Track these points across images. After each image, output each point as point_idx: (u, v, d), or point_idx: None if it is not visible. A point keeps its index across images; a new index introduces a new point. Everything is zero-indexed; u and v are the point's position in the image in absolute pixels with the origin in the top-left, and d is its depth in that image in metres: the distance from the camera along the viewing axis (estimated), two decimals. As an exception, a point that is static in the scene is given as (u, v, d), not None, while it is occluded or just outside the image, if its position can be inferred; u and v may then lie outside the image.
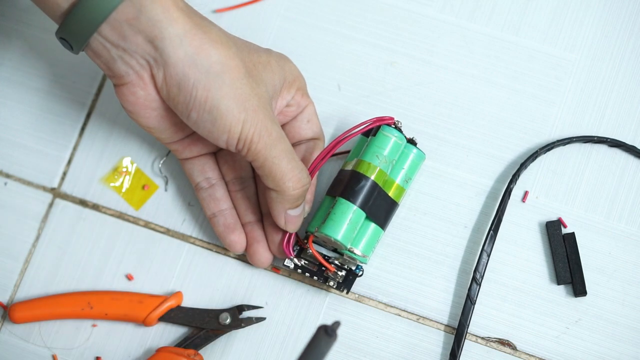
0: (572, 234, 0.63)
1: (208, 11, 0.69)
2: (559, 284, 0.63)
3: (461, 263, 0.64)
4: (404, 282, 0.64)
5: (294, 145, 0.64)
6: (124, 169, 0.68)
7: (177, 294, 0.64)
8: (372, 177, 0.60)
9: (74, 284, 0.66)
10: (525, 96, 0.66)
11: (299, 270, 0.62)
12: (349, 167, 0.61)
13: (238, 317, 0.63)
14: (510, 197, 0.64)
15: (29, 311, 0.64)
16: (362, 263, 0.62)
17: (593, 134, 0.65)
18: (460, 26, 0.68)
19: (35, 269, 0.67)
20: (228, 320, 0.63)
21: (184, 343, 0.63)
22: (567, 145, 0.65)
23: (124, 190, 0.67)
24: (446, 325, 0.63)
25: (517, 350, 0.62)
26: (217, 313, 0.63)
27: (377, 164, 0.60)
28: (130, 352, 0.65)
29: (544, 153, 0.64)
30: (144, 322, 0.64)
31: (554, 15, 0.67)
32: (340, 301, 0.64)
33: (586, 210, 0.64)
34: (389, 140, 0.61)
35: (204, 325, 0.63)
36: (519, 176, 0.63)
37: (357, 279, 0.62)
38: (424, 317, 0.63)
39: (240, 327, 0.63)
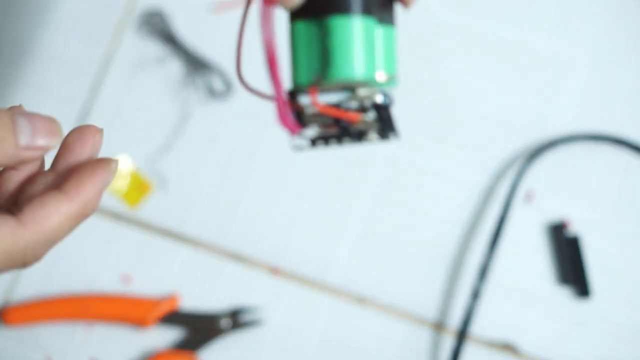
0: (576, 235, 0.62)
1: (208, 11, 0.69)
2: (563, 285, 0.62)
3: (463, 264, 0.63)
4: (404, 283, 0.63)
5: None
6: (123, 169, 0.67)
7: (175, 297, 0.64)
8: None
9: (70, 285, 0.66)
10: (527, 95, 0.66)
11: (320, 143, 0.41)
12: None
13: (236, 319, 0.63)
14: (514, 199, 0.63)
15: (24, 314, 0.64)
16: (390, 87, 0.42)
17: (597, 133, 0.64)
18: (462, 24, 0.67)
19: (31, 271, 0.66)
20: (226, 323, 0.63)
21: (182, 346, 0.63)
22: (571, 145, 0.65)
23: (122, 190, 0.67)
24: (448, 327, 0.62)
25: (520, 353, 0.62)
26: (215, 315, 0.63)
27: None
28: (127, 356, 0.64)
29: (548, 149, 0.64)
30: (141, 325, 0.63)
31: (557, 12, 0.67)
32: (340, 302, 0.63)
33: (590, 211, 0.64)
34: None
35: (202, 328, 0.63)
36: (524, 172, 0.63)
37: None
38: (425, 320, 0.63)
39: (238, 329, 0.63)
